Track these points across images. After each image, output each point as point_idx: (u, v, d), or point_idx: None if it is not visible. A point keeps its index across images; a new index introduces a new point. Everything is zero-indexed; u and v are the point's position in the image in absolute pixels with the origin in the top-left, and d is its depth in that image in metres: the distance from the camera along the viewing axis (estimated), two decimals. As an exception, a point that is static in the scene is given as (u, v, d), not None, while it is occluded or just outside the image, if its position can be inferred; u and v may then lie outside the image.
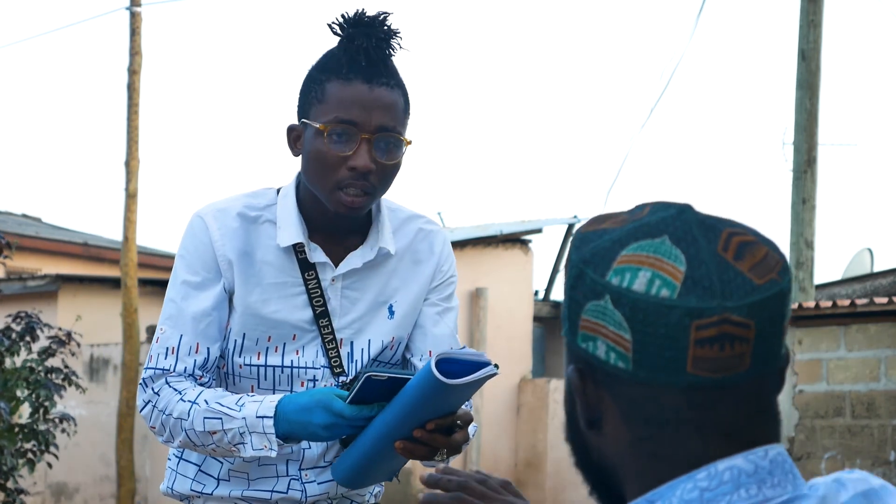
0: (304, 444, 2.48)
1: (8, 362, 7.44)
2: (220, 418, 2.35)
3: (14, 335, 7.49)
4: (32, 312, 7.70)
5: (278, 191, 2.50)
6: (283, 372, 2.45)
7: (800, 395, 9.58)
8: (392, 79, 2.40)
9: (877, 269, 13.85)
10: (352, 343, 2.48)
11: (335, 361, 2.46)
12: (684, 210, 1.18)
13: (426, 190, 35.57)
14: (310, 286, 2.45)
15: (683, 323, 1.12)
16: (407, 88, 2.43)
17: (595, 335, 1.16)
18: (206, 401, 2.38)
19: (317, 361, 2.46)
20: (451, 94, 40.20)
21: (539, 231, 14.56)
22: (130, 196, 13.54)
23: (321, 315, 2.45)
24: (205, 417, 2.37)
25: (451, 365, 2.17)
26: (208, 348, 2.44)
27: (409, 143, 2.42)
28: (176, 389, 2.41)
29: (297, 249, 2.45)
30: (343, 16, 2.40)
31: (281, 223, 2.45)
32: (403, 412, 2.22)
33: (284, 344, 2.45)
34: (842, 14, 33.61)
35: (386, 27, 2.40)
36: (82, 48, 41.40)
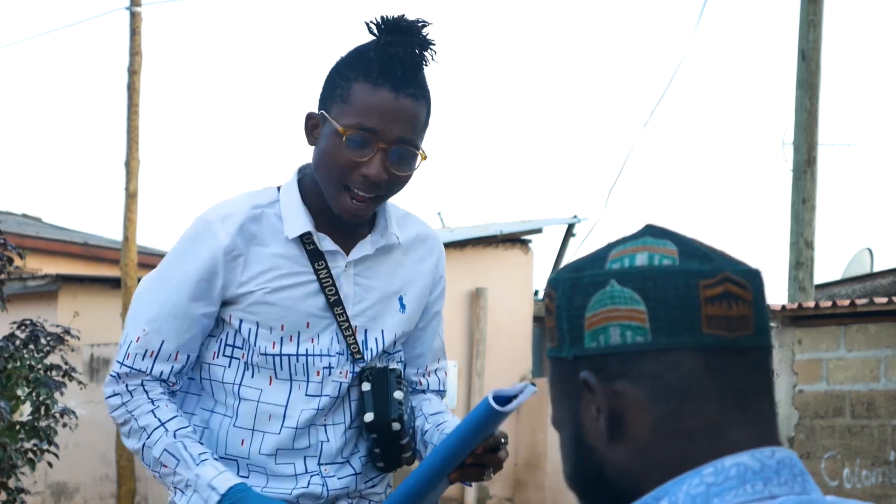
0: (322, 436, 2.49)
1: (10, 366, 7.45)
2: (178, 461, 2.41)
3: (18, 342, 7.51)
4: (37, 321, 7.72)
5: (279, 188, 2.51)
6: (297, 361, 2.46)
7: (800, 395, 9.58)
8: (419, 89, 2.39)
9: (877, 269, 13.85)
10: (366, 331, 2.50)
11: (354, 347, 2.47)
12: (649, 224, 1.25)
13: (426, 190, 35.58)
14: (321, 276, 2.45)
15: (691, 283, 1.17)
16: (431, 100, 2.43)
17: (605, 324, 1.19)
18: (174, 433, 2.42)
19: (332, 349, 2.47)
20: (451, 93, 40.18)
21: (539, 231, 14.57)
22: (130, 196, 13.55)
23: (335, 303, 2.46)
24: (164, 449, 2.42)
25: (497, 396, 2.28)
26: (188, 356, 2.46)
27: (425, 157, 2.43)
28: (150, 398, 2.45)
29: (306, 241, 2.46)
30: (382, 17, 2.39)
31: (286, 216, 2.45)
32: (462, 445, 2.30)
33: (299, 333, 2.45)
34: (842, 14, 33.63)
35: (423, 37, 2.39)
36: (82, 48, 41.40)
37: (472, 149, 36.52)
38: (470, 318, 13.69)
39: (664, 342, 1.17)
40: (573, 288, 1.21)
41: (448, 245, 13.71)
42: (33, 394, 7.49)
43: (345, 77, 2.39)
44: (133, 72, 13.62)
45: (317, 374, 2.47)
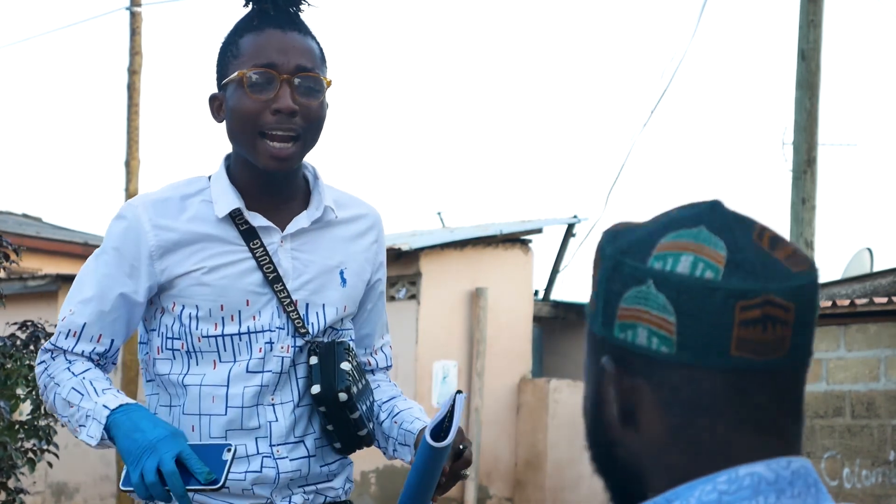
0: (271, 416, 2.47)
1: (10, 366, 7.44)
2: (82, 395, 2.40)
3: (19, 342, 7.49)
4: (38, 322, 7.69)
5: (209, 178, 2.51)
6: (241, 339, 2.44)
7: (799, 394, 9.58)
8: (304, 28, 2.44)
9: (877, 269, 13.82)
10: (307, 305, 2.48)
11: (298, 322, 2.46)
12: (716, 204, 1.20)
13: (426, 190, 35.57)
14: (257, 253, 2.44)
15: (728, 304, 1.13)
16: (322, 45, 2.46)
17: (636, 322, 1.16)
18: (84, 377, 2.43)
19: (272, 323, 2.45)
20: (451, 93, 40.18)
21: (539, 231, 14.56)
22: (130, 196, 13.56)
23: (274, 280, 2.44)
24: (72, 387, 2.42)
25: (433, 426, 2.35)
26: (112, 340, 2.47)
27: (330, 83, 2.44)
28: (67, 359, 2.47)
29: (238, 221, 2.45)
30: None
31: (216, 198, 2.46)
32: (424, 488, 2.37)
33: (240, 311, 2.44)
34: (842, 14, 33.62)
35: None
36: (82, 48, 41.41)
37: (472, 149, 36.53)
38: (470, 318, 13.69)
39: (688, 358, 1.14)
40: (614, 270, 1.18)
41: (448, 245, 13.71)
42: (33, 392, 7.47)
43: (231, 42, 2.44)
44: (133, 72, 13.63)
45: (259, 350, 2.45)
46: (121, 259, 2.44)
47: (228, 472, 2.28)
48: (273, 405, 2.47)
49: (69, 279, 15.06)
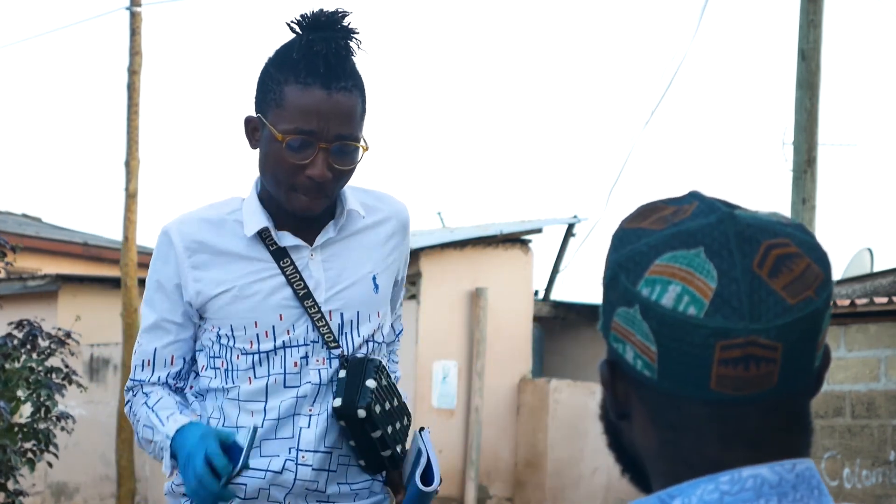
0: (304, 423, 2.50)
1: (8, 366, 7.42)
2: (153, 429, 2.49)
3: (16, 342, 7.46)
4: (34, 320, 7.67)
5: (243, 200, 2.55)
6: (276, 354, 2.48)
7: (800, 395, 9.58)
8: (350, 80, 2.42)
9: (877, 269, 13.81)
10: (342, 315, 2.51)
11: (328, 336, 2.49)
12: (724, 219, 1.15)
13: (426, 190, 35.58)
14: (287, 272, 2.48)
15: (708, 343, 1.11)
16: (364, 85, 2.46)
17: (625, 339, 1.16)
18: (153, 408, 2.50)
19: (307, 337, 2.49)
20: (451, 93, 40.19)
21: (539, 231, 14.56)
22: (130, 196, 13.55)
23: (304, 296, 2.47)
24: (144, 425, 2.51)
25: (418, 470, 2.46)
26: (183, 358, 2.55)
27: (367, 149, 2.45)
28: (145, 392, 2.55)
29: (268, 242, 2.49)
30: (302, 15, 2.42)
31: (246, 219, 2.50)
32: None
33: (273, 327, 2.48)
34: (842, 14, 33.61)
35: (344, 28, 2.42)
36: (82, 48, 41.39)
37: (472, 149, 36.52)
38: (470, 318, 13.69)
39: (668, 387, 1.14)
40: (612, 281, 1.17)
41: (448, 245, 13.70)
42: (34, 395, 7.46)
43: (275, 80, 2.42)
44: (133, 72, 13.62)
45: (294, 364, 2.48)
46: (162, 289, 2.52)
47: (248, 453, 2.34)
48: (310, 415, 2.50)
49: (69, 279, 15.07)
